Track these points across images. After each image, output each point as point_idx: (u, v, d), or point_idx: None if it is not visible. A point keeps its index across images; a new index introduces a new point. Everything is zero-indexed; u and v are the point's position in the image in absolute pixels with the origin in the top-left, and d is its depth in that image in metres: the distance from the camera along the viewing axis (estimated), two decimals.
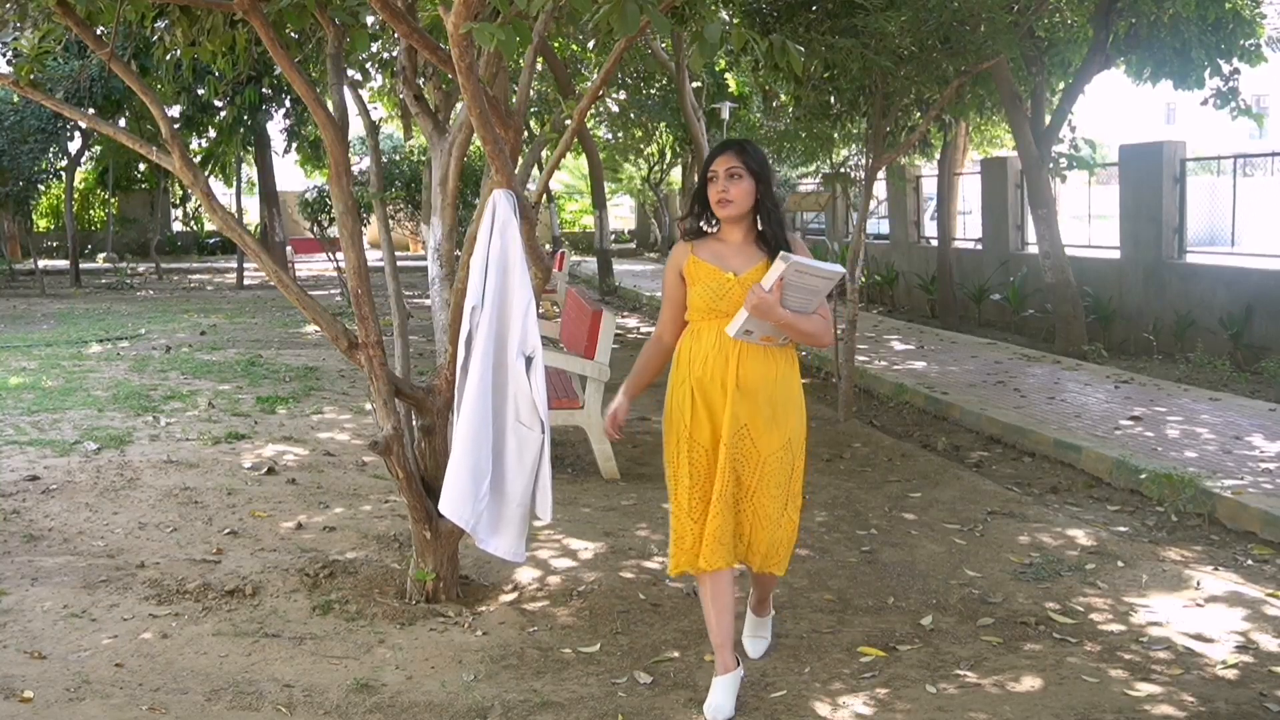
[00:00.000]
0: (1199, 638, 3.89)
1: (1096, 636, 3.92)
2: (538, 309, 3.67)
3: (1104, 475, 6.11)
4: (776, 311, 3.15)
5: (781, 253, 3.17)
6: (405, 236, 25.73)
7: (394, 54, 6.46)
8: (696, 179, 3.39)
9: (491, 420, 3.28)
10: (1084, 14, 10.66)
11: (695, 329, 3.37)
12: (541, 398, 3.31)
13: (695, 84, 15.32)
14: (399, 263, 5.41)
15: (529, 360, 3.29)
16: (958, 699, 3.42)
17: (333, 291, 16.78)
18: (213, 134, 18.49)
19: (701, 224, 3.40)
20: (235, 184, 20.50)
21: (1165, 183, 10.57)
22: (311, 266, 21.48)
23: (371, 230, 18.15)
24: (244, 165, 21.06)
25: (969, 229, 15.97)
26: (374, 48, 6.47)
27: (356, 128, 6.65)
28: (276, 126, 19.57)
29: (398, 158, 18.61)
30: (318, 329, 5.02)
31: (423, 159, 17.23)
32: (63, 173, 20.67)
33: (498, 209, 3.25)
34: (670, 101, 17.06)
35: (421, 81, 5.10)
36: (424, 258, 9.56)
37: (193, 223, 28.51)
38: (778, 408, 3.30)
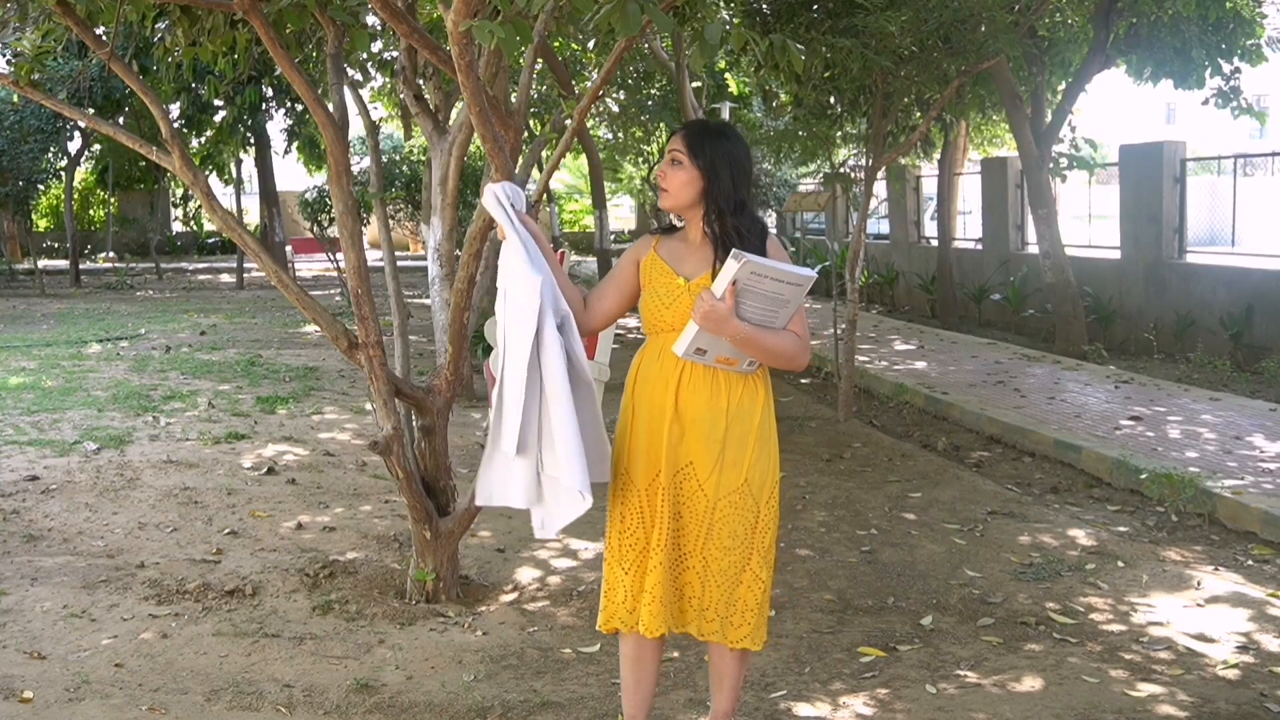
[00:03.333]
0: (1200, 638, 3.89)
1: (1097, 637, 3.91)
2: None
3: (1104, 475, 6.11)
4: (731, 324, 2.59)
5: (734, 250, 2.60)
6: (405, 236, 25.74)
7: (394, 54, 6.46)
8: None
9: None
10: (1084, 14, 10.67)
11: (646, 346, 2.86)
12: (580, 352, 2.79)
13: (695, 84, 15.31)
14: (399, 263, 5.42)
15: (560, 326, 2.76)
16: (958, 699, 3.42)
17: (333, 291, 16.78)
18: (212, 135, 18.50)
19: (672, 218, 2.90)
20: (236, 184, 20.50)
21: (1165, 183, 10.57)
22: (311, 266, 21.48)
23: (371, 230, 18.16)
24: (243, 165, 21.04)
25: (969, 229, 15.98)
26: (374, 48, 6.47)
27: (356, 128, 6.66)
28: (276, 126, 19.59)
29: (398, 158, 18.61)
30: (318, 329, 5.01)
31: (423, 159, 17.23)
32: (63, 173, 20.68)
33: (504, 198, 2.82)
34: (670, 101, 17.04)
35: (421, 81, 5.10)
36: (424, 258, 9.59)
37: (193, 223, 28.51)
38: (731, 445, 2.73)
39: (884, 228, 16.77)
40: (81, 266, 20.83)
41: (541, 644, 3.84)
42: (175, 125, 4.12)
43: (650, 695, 2.94)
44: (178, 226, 29.24)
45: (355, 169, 9.62)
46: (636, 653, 2.89)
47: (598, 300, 2.91)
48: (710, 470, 2.73)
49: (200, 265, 25.02)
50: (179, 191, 27.21)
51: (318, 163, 20.09)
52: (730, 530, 2.74)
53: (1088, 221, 13.91)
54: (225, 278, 21.36)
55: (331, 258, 15.98)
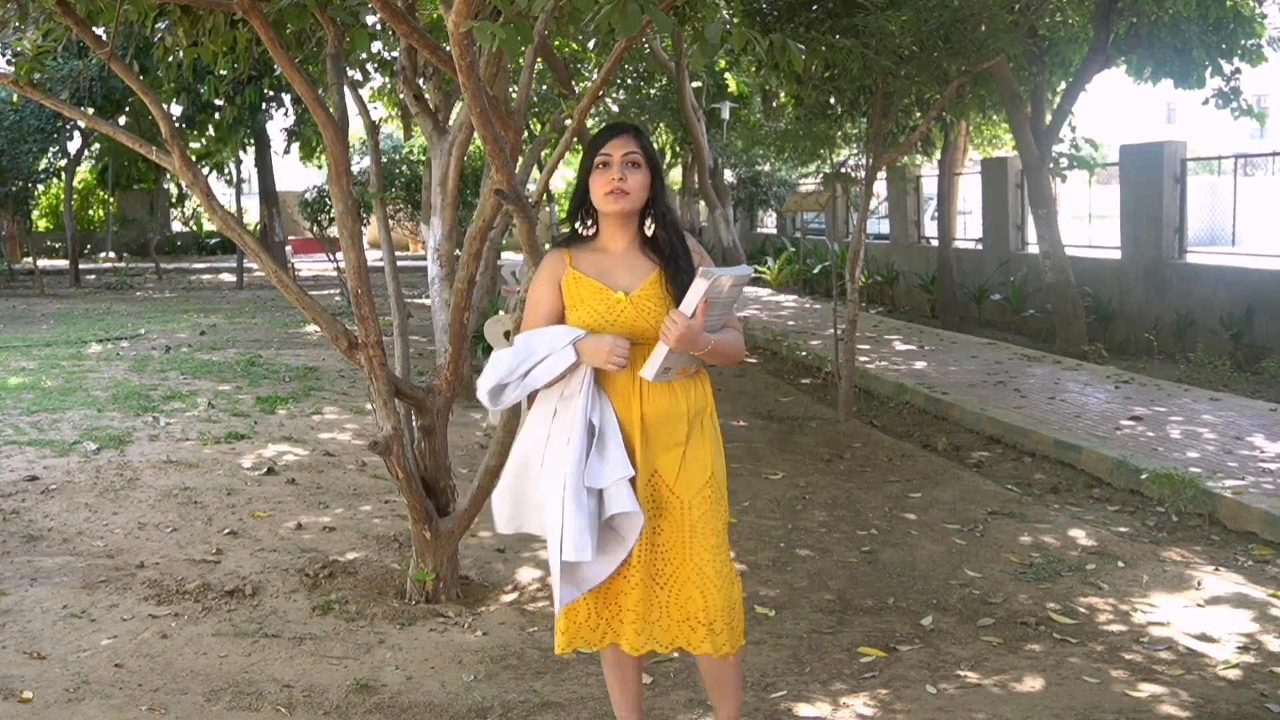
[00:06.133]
0: (1201, 638, 3.89)
1: (1097, 637, 3.91)
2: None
3: (1104, 475, 6.11)
4: (702, 340, 2.59)
5: (701, 269, 2.59)
6: (405, 236, 25.75)
7: (394, 54, 6.46)
8: (579, 170, 2.77)
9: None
10: (1084, 13, 10.66)
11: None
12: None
13: (695, 84, 15.33)
14: (399, 263, 5.42)
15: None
16: (958, 699, 3.42)
17: (333, 291, 16.78)
18: (213, 134, 18.50)
19: (577, 226, 2.80)
20: (236, 184, 20.50)
21: (1165, 182, 10.56)
22: (311, 266, 21.49)
23: (371, 230, 18.16)
24: (243, 165, 21.04)
25: (969, 229, 15.97)
26: (374, 48, 6.46)
27: (356, 127, 6.65)
28: (276, 126, 19.60)
29: (397, 158, 18.62)
30: (318, 329, 5.01)
31: (423, 159, 17.22)
32: (63, 173, 20.69)
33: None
34: (670, 101, 17.05)
35: (421, 81, 5.10)
36: (424, 258, 9.60)
37: (192, 223, 28.51)
38: (692, 443, 2.71)
39: (884, 228, 16.76)
40: (81, 266, 20.83)
41: (541, 644, 3.83)
42: (175, 125, 4.12)
43: (638, 695, 2.94)
44: (178, 226, 29.25)
45: (355, 169, 9.61)
46: (615, 658, 2.87)
47: None
48: (676, 473, 2.69)
49: (200, 265, 25.02)
50: (175, 191, 27.18)
51: (313, 153, 20.03)
52: (713, 528, 2.70)
53: (1088, 221, 13.90)
54: (225, 278, 21.36)
55: (331, 258, 15.98)
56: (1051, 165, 11.11)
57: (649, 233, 2.78)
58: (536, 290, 2.78)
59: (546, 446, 2.70)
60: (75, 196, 23.77)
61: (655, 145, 2.73)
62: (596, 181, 2.71)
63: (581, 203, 2.77)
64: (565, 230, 2.86)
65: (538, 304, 2.77)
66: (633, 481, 2.66)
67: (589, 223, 2.78)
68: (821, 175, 17.22)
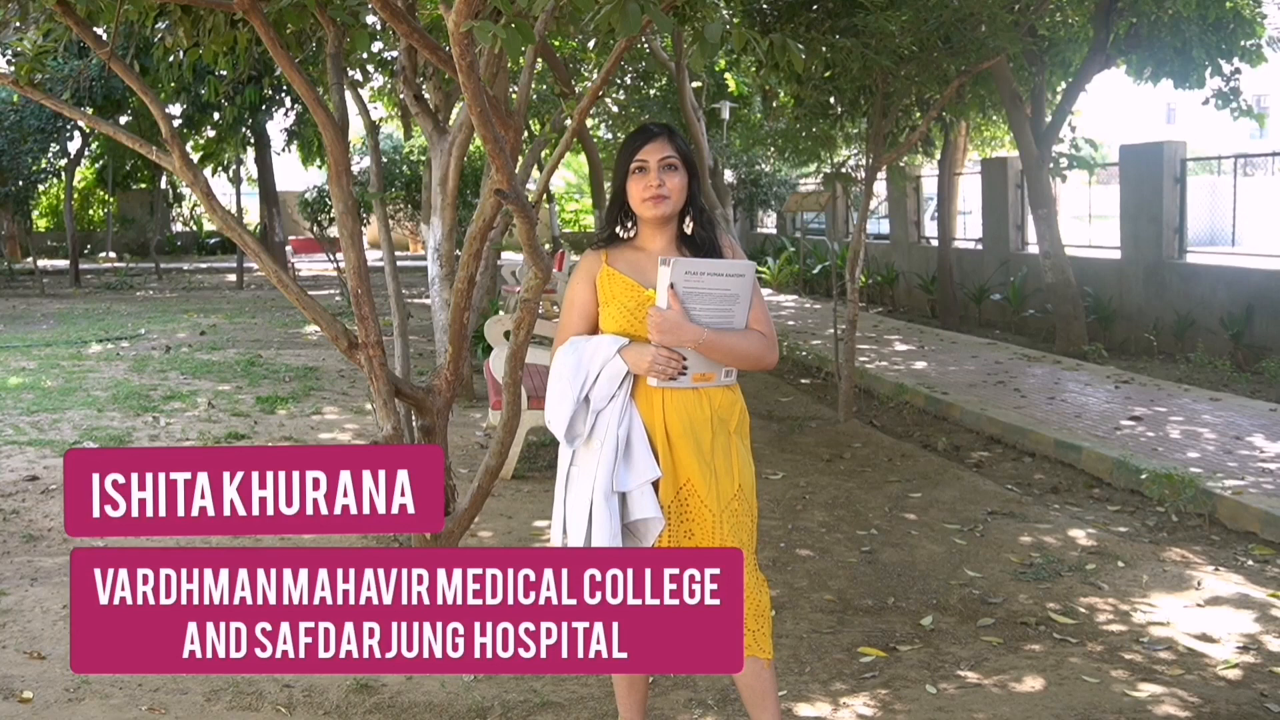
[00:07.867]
0: (1200, 638, 3.89)
1: (1097, 637, 3.91)
2: (539, 308, 3.66)
3: (1104, 475, 6.11)
4: (687, 330, 2.56)
5: (661, 257, 2.58)
6: (405, 236, 25.76)
7: (394, 54, 6.47)
8: (615, 174, 2.80)
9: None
10: (1084, 13, 10.67)
11: None
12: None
13: (695, 84, 15.30)
14: (399, 263, 5.42)
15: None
16: (958, 699, 3.42)
17: (333, 291, 16.78)
18: (213, 134, 18.51)
19: (617, 229, 2.80)
20: (236, 184, 20.50)
21: (1166, 183, 10.57)
22: (311, 266, 21.48)
23: (371, 230, 18.17)
24: (243, 164, 21.04)
25: (969, 229, 15.98)
26: (374, 48, 6.47)
27: (356, 127, 6.66)
28: (276, 126, 19.60)
29: (398, 158, 18.63)
30: (318, 329, 5.01)
31: (423, 159, 17.23)
32: (63, 173, 20.70)
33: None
34: (670, 101, 17.04)
35: (421, 81, 5.10)
36: (424, 258, 9.62)
37: (192, 223, 28.52)
38: (719, 454, 2.68)
39: (884, 228, 16.77)
40: (81, 266, 20.84)
41: None
42: (175, 125, 4.12)
43: (644, 696, 2.94)
44: (178, 226, 29.27)
45: (355, 169, 9.61)
46: None
47: (573, 332, 2.78)
48: (708, 484, 2.66)
49: (200, 265, 25.02)
50: (173, 191, 27.17)
51: (313, 154, 20.03)
52: (738, 540, 2.68)
53: (1088, 221, 13.91)
54: (226, 278, 21.35)
55: (331, 258, 15.99)
56: (1051, 165, 11.11)
57: (688, 230, 2.78)
58: (573, 289, 2.79)
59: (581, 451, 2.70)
60: (75, 196, 23.78)
61: None
62: (634, 187, 2.71)
63: (620, 207, 2.77)
64: (604, 233, 2.84)
65: (573, 302, 2.78)
66: (657, 485, 2.64)
67: (629, 224, 2.79)
68: (821, 175, 17.22)
